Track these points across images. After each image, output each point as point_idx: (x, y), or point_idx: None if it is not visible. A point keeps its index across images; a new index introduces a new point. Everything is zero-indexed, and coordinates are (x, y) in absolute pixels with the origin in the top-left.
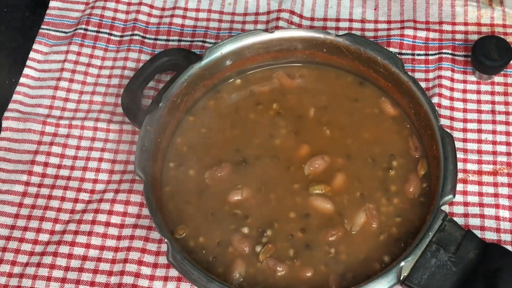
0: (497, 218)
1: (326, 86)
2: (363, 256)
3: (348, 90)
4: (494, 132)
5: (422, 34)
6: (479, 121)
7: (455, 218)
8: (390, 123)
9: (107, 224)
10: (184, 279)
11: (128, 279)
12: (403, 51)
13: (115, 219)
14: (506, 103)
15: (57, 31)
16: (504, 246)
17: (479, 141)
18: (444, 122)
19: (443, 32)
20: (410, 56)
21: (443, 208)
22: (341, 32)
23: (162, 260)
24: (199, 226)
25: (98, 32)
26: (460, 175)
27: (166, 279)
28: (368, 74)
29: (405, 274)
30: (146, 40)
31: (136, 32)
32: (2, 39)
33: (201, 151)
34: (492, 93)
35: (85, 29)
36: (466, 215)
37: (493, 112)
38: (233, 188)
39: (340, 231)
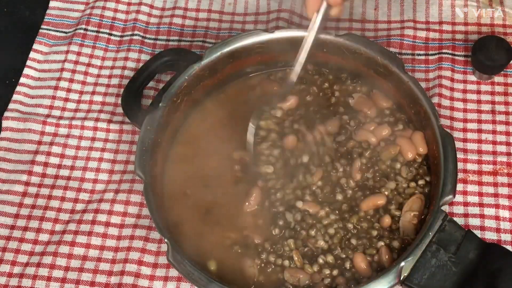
0: (497, 218)
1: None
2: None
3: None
4: (494, 132)
5: (422, 34)
6: (479, 121)
7: (455, 218)
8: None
9: (107, 224)
10: (184, 279)
11: (128, 279)
12: (403, 51)
13: (115, 219)
14: (506, 103)
15: (57, 31)
16: (504, 246)
17: (479, 141)
18: (444, 122)
19: (443, 32)
20: (410, 56)
21: (443, 208)
22: (341, 32)
23: (162, 260)
24: (199, 226)
25: (98, 32)
26: (460, 175)
27: (166, 279)
28: (368, 74)
29: (405, 274)
30: (146, 40)
31: (136, 32)
32: (2, 39)
33: (203, 151)
34: (492, 93)
35: (85, 29)
36: (466, 215)
37: (493, 112)
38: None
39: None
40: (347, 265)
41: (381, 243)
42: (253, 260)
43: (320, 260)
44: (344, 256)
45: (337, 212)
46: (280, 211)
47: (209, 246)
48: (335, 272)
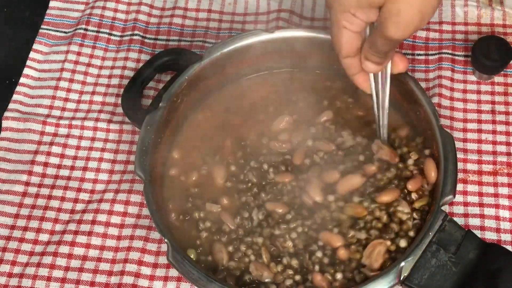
0: (497, 218)
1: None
2: None
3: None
4: (494, 132)
5: (422, 34)
6: (479, 121)
7: (455, 218)
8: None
9: (107, 224)
10: (184, 279)
11: (128, 279)
12: (403, 51)
13: (115, 219)
14: (506, 103)
15: (57, 31)
16: (504, 246)
17: (479, 141)
18: (444, 122)
19: (443, 32)
20: (410, 56)
21: (443, 208)
22: None
23: (162, 260)
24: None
25: (98, 32)
26: (460, 175)
27: (166, 279)
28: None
29: (405, 274)
30: (146, 40)
31: (136, 32)
32: (2, 39)
33: (202, 151)
34: (492, 93)
35: (85, 29)
36: (466, 215)
37: (493, 112)
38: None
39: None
40: (309, 276)
41: (339, 275)
42: (222, 245)
43: (284, 261)
44: (306, 268)
45: (300, 217)
46: (247, 203)
47: (192, 234)
48: (297, 277)
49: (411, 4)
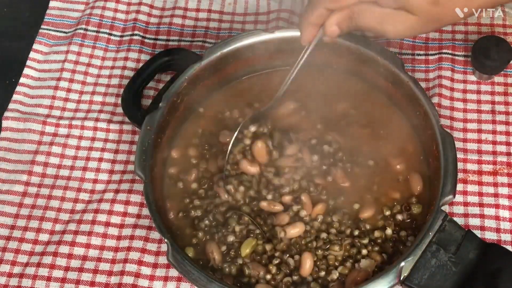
0: (497, 218)
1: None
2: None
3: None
4: (494, 132)
5: (422, 34)
6: (479, 121)
7: (455, 218)
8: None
9: (107, 224)
10: (184, 279)
11: (128, 279)
12: (403, 51)
13: (115, 219)
14: (506, 103)
15: (57, 31)
16: (504, 246)
17: (479, 141)
18: (444, 122)
19: (443, 32)
20: (410, 56)
21: (443, 208)
22: None
23: (162, 260)
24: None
25: (98, 32)
26: (460, 175)
27: (166, 279)
28: (368, 74)
29: (405, 274)
30: (146, 40)
31: (136, 32)
32: (2, 39)
33: (201, 149)
34: (492, 93)
35: (85, 29)
36: (466, 215)
37: (493, 112)
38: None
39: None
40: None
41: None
42: (215, 245)
43: (275, 261)
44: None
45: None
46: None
47: (189, 232)
48: (295, 278)
49: (418, 25)
